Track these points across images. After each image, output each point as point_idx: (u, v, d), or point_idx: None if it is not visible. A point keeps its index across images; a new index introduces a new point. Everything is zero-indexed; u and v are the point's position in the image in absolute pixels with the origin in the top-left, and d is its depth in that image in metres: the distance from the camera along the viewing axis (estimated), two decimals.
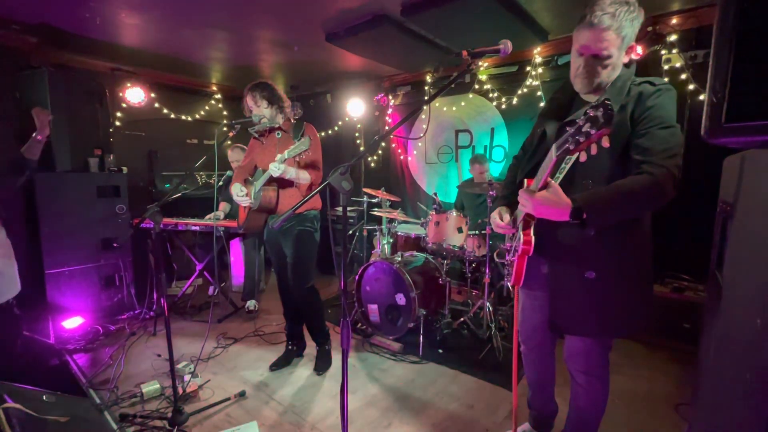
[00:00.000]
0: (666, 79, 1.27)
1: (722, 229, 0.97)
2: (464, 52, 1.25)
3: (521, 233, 1.32)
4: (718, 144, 0.72)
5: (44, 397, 1.55)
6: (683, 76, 2.76)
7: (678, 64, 2.78)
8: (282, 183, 2.33)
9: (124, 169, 3.49)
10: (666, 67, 2.81)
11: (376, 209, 3.60)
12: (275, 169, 2.13)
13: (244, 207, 2.44)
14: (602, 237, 1.26)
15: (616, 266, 1.29)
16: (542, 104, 3.45)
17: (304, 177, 2.30)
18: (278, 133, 2.40)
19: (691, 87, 2.72)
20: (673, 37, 2.78)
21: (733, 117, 0.67)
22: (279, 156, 2.15)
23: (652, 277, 1.38)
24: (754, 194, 0.84)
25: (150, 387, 2.21)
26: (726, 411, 0.84)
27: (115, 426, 1.94)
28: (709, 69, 0.72)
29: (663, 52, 2.82)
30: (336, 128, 5.05)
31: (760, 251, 0.68)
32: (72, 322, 2.98)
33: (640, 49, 1.33)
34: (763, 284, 0.64)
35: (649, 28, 2.80)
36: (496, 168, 3.92)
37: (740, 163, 1.04)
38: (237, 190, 2.36)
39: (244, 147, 3.34)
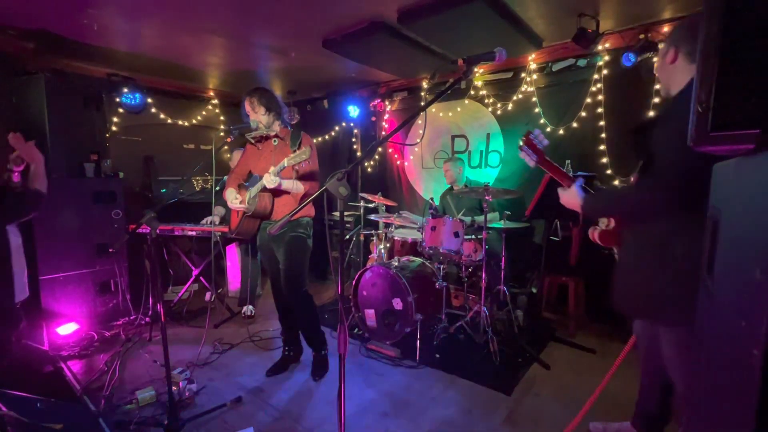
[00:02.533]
0: None
1: (712, 233, 0.99)
2: (460, 61, 1.27)
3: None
4: (705, 152, 0.74)
5: (38, 404, 1.54)
6: None
7: None
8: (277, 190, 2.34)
9: (121, 174, 3.48)
10: (658, 74, 2.86)
11: (372, 214, 3.60)
12: (270, 181, 2.15)
13: (238, 212, 2.44)
14: (631, 229, 1.49)
15: (636, 251, 1.46)
16: (537, 110, 3.49)
17: (298, 188, 2.31)
18: (275, 140, 2.41)
19: None
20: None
21: (719, 125, 0.68)
22: (273, 168, 2.16)
23: (683, 274, 1.28)
24: (739, 199, 0.86)
25: (145, 393, 2.20)
26: (716, 414, 0.85)
27: None
28: (696, 78, 0.74)
29: (655, 59, 2.86)
30: (333, 133, 5.07)
31: (743, 255, 0.70)
32: (66, 329, 2.96)
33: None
34: (748, 287, 0.66)
35: (641, 36, 2.84)
36: (492, 173, 3.95)
37: (728, 169, 1.06)
38: (231, 196, 2.36)
39: None
